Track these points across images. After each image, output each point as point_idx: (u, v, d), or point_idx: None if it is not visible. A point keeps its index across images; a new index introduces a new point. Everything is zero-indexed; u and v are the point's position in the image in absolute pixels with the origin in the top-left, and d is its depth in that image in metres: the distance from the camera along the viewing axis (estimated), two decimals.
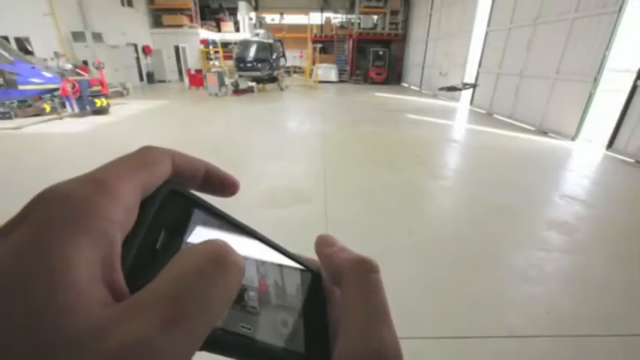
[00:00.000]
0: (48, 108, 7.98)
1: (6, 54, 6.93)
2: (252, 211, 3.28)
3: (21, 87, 6.96)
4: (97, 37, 13.68)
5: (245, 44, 13.34)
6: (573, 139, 6.86)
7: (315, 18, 23.65)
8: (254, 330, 0.17)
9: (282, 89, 15.01)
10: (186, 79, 15.61)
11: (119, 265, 0.13)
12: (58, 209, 0.12)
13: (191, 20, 19.14)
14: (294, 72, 25.53)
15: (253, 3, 23.56)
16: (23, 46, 10.34)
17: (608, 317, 2.05)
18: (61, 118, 7.75)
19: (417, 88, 17.87)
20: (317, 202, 3.54)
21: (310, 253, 0.22)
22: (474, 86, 11.74)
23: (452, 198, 3.96)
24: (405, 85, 20.46)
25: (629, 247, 2.87)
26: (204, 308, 0.12)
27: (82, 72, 10.16)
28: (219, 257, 0.13)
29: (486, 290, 2.29)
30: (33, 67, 7.28)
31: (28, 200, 0.12)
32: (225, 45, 17.75)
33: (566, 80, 7.15)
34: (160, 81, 18.30)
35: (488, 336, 1.90)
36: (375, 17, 20.82)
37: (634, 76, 5.64)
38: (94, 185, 0.13)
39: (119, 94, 11.84)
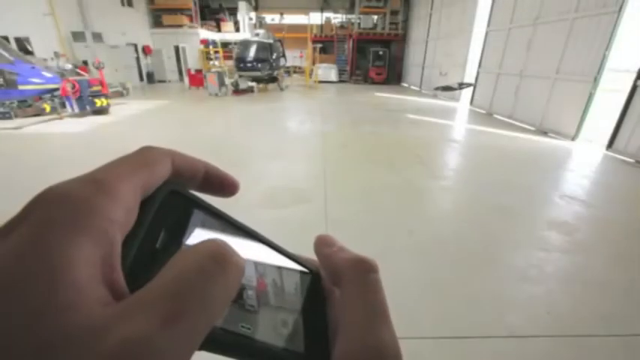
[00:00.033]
0: (48, 108, 7.98)
1: (6, 54, 6.93)
2: (252, 211, 3.29)
3: (21, 87, 6.97)
4: (97, 37, 13.68)
5: (245, 44, 13.34)
6: (573, 139, 6.86)
7: (315, 18, 23.65)
8: (254, 330, 0.17)
9: (282, 89, 15.01)
10: (186, 79, 15.61)
11: (119, 264, 0.13)
12: (58, 209, 0.12)
13: (191, 20, 19.14)
14: (294, 72, 25.53)
15: (253, 3, 23.56)
16: (23, 46, 10.34)
17: (608, 317, 2.05)
18: (61, 118, 7.75)
19: (417, 88, 17.88)
20: (317, 202, 3.54)
21: (310, 254, 0.23)
22: (469, 86, 11.78)
23: (452, 198, 3.97)
24: (405, 85, 20.47)
25: (629, 247, 2.87)
26: (204, 307, 0.12)
27: (82, 72, 10.16)
28: (219, 256, 0.13)
29: (486, 290, 2.29)
30: (33, 67, 7.28)
31: (28, 200, 0.12)
32: (225, 45, 17.75)
33: (566, 80, 7.15)
34: (160, 81, 18.31)
35: (488, 336, 1.90)
36: (375, 17, 20.82)
37: (634, 76, 5.65)
38: (94, 185, 0.13)
39: (119, 94, 11.84)
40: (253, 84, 13.82)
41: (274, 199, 3.62)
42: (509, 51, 9.39)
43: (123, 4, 16.10)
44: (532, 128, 8.06)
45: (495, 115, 9.83)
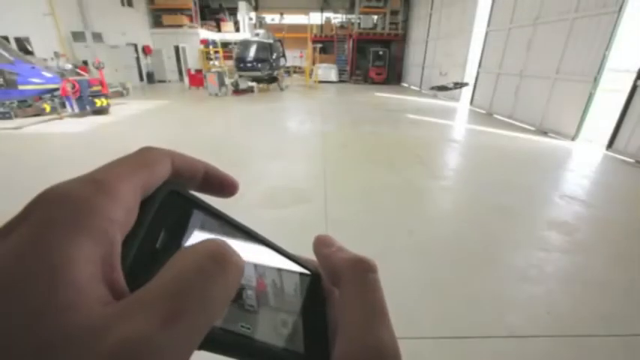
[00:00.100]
0: (48, 108, 7.98)
1: (6, 54, 6.93)
2: (252, 211, 3.29)
3: (21, 87, 6.97)
4: (97, 37, 13.68)
5: (245, 44, 13.35)
6: (573, 139, 6.86)
7: (315, 18, 23.65)
8: (253, 330, 0.17)
9: (282, 89, 15.01)
10: (186, 79, 15.61)
11: (119, 264, 0.13)
12: (58, 209, 0.12)
13: (191, 20, 19.14)
14: (294, 72, 25.53)
15: (253, 3, 23.56)
16: (23, 46, 10.35)
17: (608, 317, 2.05)
18: (61, 118, 7.76)
19: (417, 88, 17.87)
20: (317, 202, 3.54)
21: (310, 254, 0.23)
22: (464, 85, 11.81)
23: (452, 198, 3.97)
24: (405, 85, 20.46)
25: (629, 247, 2.87)
26: (204, 306, 0.12)
27: (82, 72, 10.16)
28: (218, 256, 0.13)
29: (486, 290, 2.29)
30: (33, 67, 7.28)
31: (29, 200, 0.12)
32: (225, 45, 17.76)
33: (566, 80, 7.15)
34: (160, 81, 18.31)
35: (488, 336, 1.90)
36: (375, 17, 20.82)
37: (634, 76, 5.65)
38: (94, 185, 0.13)
39: (119, 94, 11.84)
40: (253, 84, 13.82)
41: (274, 199, 3.62)
42: (509, 51, 9.39)
43: (123, 4, 16.10)
44: (532, 128, 8.06)
45: (495, 115, 9.83)
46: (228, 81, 13.28)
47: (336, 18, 23.20)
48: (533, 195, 3.94)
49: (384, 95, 14.55)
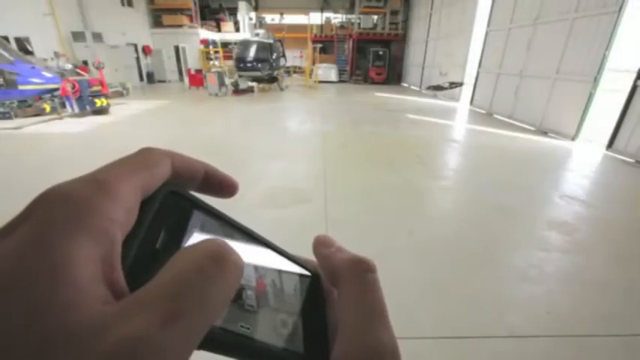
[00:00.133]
0: (48, 108, 7.98)
1: (6, 54, 6.93)
2: (252, 211, 3.29)
3: (21, 87, 6.97)
4: (97, 37, 13.68)
5: (245, 44, 13.35)
6: (573, 139, 6.86)
7: (315, 18, 23.65)
8: (253, 330, 0.17)
9: (282, 89, 15.01)
10: (186, 79, 15.61)
11: (119, 263, 0.13)
12: (59, 209, 0.12)
13: (191, 20, 19.14)
14: (294, 72, 25.53)
15: (253, 3, 23.57)
16: (23, 46, 10.35)
17: (608, 317, 2.05)
18: (61, 118, 7.76)
19: (417, 88, 17.87)
20: (317, 202, 3.54)
21: (310, 254, 0.23)
22: (459, 85, 11.84)
23: (452, 198, 3.97)
24: (405, 85, 20.47)
25: (629, 247, 2.87)
26: (204, 306, 0.12)
27: (82, 72, 10.16)
28: (218, 256, 0.13)
29: (486, 290, 2.29)
30: (33, 67, 7.29)
31: (29, 200, 0.12)
32: (225, 45, 17.76)
33: (566, 80, 7.15)
34: (160, 81, 18.31)
35: (488, 336, 1.90)
36: (375, 17, 20.82)
37: (634, 76, 5.64)
38: (94, 185, 0.13)
39: (119, 94, 11.84)
40: (253, 84, 13.83)
41: (274, 199, 3.62)
42: (509, 51, 9.39)
43: (123, 4, 16.10)
44: (532, 128, 8.06)
45: (495, 115, 9.84)
46: (228, 81, 13.28)
47: (336, 18, 23.20)
48: (533, 195, 3.94)
49: (384, 95, 14.55)
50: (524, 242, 2.91)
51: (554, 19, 7.51)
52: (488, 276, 2.45)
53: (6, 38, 9.36)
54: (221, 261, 0.13)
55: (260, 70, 13.05)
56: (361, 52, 20.85)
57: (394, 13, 20.28)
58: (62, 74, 8.58)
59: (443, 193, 4.05)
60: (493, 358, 1.78)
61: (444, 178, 4.55)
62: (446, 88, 12.25)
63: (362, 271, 0.19)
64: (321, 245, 0.21)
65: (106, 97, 8.52)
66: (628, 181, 4.66)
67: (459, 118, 9.81)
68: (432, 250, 2.74)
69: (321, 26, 22.54)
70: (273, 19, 25.24)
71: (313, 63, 18.77)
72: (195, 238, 0.16)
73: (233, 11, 21.75)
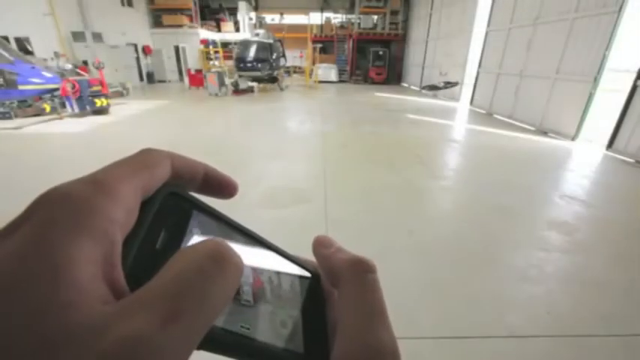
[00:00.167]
0: (48, 108, 7.98)
1: (6, 54, 6.93)
2: (252, 211, 3.29)
3: (21, 87, 6.97)
4: (97, 37, 13.68)
5: (245, 44, 13.35)
6: (573, 139, 6.86)
7: (315, 18, 23.65)
8: (253, 330, 0.17)
9: (282, 89, 15.01)
10: (186, 79, 15.61)
11: (119, 263, 0.13)
12: (60, 209, 0.12)
13: (191, 20, 19.14)
14: (294, 72, 25.53)
15: (253, 3, 23.57)
16: (23, 46, 10.35)
17: (608, 317, 2.05)
18: (61, 118, 7.76)
19: (417, 88, 17.85)
20: (317, 202, 3.54)
21: (310, 254, 0.23)
22: (454, 85, 11.91)
23: (452, 198, 3.97)
24: (405, 85, 20.46)
25: (629, 247, 2.87)
26: (203, 306, 0.12)
27: (82, 72, 10.16)
28: (218, 256, 0.13)
29: (486, 290, 2.29)
30: (33, 67, 7.29)
31: (29, 200, 0.13)
32: (225, 45, 17.76)
33: (566, 80, 7.15)
34: (160, 81, 18.31)
35: (488, 336, 1.90)
36: (375, 17, 20.81)
37: (634, 76, 5.64)
38: (95, 186, 0.13)
39: (119, 94, 11.84)
40: (253, 84, 13.83)
41: (274, 199, 3.62)
42: (509, 51, 9.39)
43: (123, 4, 16.10)
44: (532, 128, 8.06)
45: (495, 115, 9.84)
46: (228, 81, 13.28)
47: (336, 18, 23.20)
48: (533, 195, 3.94)
49: (384, 95, 14.55)
50: (524, 242, 2.91)
51: (554, 19, 7.51)
52: (488, 276, 2.45)
53: (6, 38, 9.36)
54: (221, 261, 0.13)
55: (260, 70, 13.05)
56: (361, 52, 20.85)
57: (394, 13, 20.28)
58: (62, 74, 8.58)
59: (443, 193, 4.05)
60: (493, 358, 1.78)
61: (444, 178, 4.55)
62: (441, 88, 12.31)
63: (362, 271, 0.19)
64: (321, 246, 0.21)
65: (106, 97, 8.52)
66: (628, 181, 4.66)
67: (458, 118, 9.81)
68: (432, 250, 2.74)
69: (321, 26, 22.53)
70: (273, 19, 25.24)
71: (313, 63, 18.77)
72: (195, 238, 0.16)
73: (233, 11, 21.75)
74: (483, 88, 10.82)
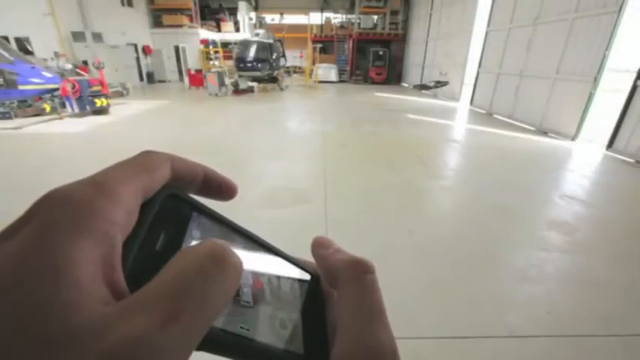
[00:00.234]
0: (48, 108, 7.98)
1: (6, 54, 6.93)
2: (252, 211, 3.29)
3: (21, 87, 6.97)
4: (97, 37, 13.68)
5: (245, 44, 13.35)
6: (573, 139, 6.86)
7: (315, 18, 23.65)
8: (253, 331, 0.17)
9: (282, 89, 15.01)
10: (186, 79, 15.62)
11: (120, 264, 0.13)
12: (61, 211, 0.12)
13: (191, 20, 19.14)
14: (294, 72, 25.53)
15: (253, 3, 23.57)
16: (23, 46, 10.35)
17: (608, 317, 2.05)
18: (61, 118, 7.76)
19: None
20: (317, 202, 3.54)
21: (310, 255, 0.23)
22: (444, 84, 12.06)
23: (452, 198, 3.97)
24: (405, 85, 20.45)
25: (629, 247, 2.87)
26: (203, 306, 0.12)
27: (82, 72, 10.16)
28: (217, 256, 0.13)
29: (486, 290, 2.29)
30: (33, 67, 7.29)
31: (30, 201, 0.13)
32: (225, 45, 17.76)
33: (566, 80, 7.15)
34: (160, 81, 18.31)
35: (488, 336, 1.90)
36: (375, 17, 20.81)
37: (634, 76, 5.64)
38: (95, 188, 0.13)
39: (119, 94, 11.84)
40: (253, 84, 13.83)
41: (274, 199, 3.62)
42: (509, 51, 9.39)
43: (123, 4, 16.10)
44: (532, 128, 8.06)
45: (495, 115, 9.83)
46: (228, 81, 13.29)
47: (336, 18, 23.20)
48: (533, 195, 3.94)
49: (384, 95, 14.55)
50: (524, 242, 2.91)
51: (554, 19, 7.51)
52: (488, 276, 2.45)
53: (6, 38, 9.36)
54: (221, 261, 0.13)
55: (260, 70, 13.05)
56: (361, 52, 20.85)
57: (394, 13, 20.28)
58: (62, 74, 8.58)
59: (443, 193, 4.05)
60: (493, 358, 1.78)
61: (444, 178, 4.55)
62: (432, 87, 12.37)
63: (360, 272, 0.19)
64: (320, 246, 0.21)
65: (106, 97, 8.52)
66: (628, 181, 4.66)
67: (458, 118, 9.81)
68: (432, 250, 2.74)
69: (321, 26, 22.53)
70: (273, 19, 25.24)
71: (313, 63, 18.77)
72: (195, 240, 0.17)
73: (233, 11, 21.75)
74: (483, 88, 10.82)
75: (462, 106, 11.87)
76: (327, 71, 19.88)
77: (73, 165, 4.56)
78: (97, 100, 8.13)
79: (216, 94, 12.65)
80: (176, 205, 0.17)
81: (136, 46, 16.64)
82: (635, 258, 2.71)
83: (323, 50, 21.74)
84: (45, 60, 10.24)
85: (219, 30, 21.59)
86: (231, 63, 14.17)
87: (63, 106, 8.06)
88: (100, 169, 0.15)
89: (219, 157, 5.01)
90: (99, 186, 0.14)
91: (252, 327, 0.17)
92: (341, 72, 20.97)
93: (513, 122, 8.81)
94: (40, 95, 7.77)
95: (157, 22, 18.74)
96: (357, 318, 0.17)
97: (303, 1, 24.14)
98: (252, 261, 0.19)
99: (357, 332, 0.17)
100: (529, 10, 8.40)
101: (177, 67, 18.86)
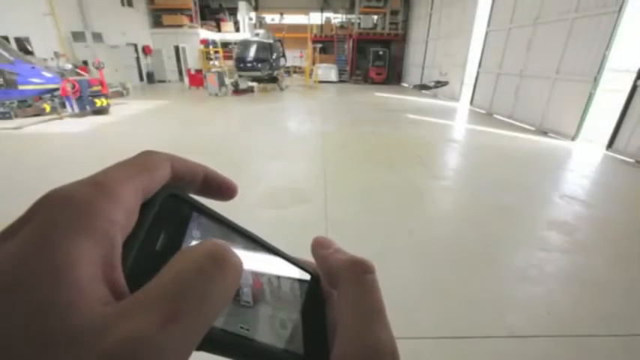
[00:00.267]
0: (48, 108, 7.98)
1: (6, 54, 6.93)
2: (252, 211, 3.29)
3: (21, 87, 6.97)
4: (97, 37, 13.68)
5: (245, 44, 13.35)
6: (573, 139, 6.86)
7: (315, 18, 23.65)
8: (253, 331, 0.17)
9: (282, 89, 15.01)
10: (186, 79, 15.61)
11: (120, 264, 0.13)
12: (61, 211, 0.12)
13: (191, 20, 19.14)
14: (294, 72, 25.53)
15: (253, 3, 23.56)
16: (23, 46, 10.35)
17: (608, 317, 2.05)
18: (61, 118, 7.76)
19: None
20: (317, 202, 3.54)
21: (310, 255, 0.23)
22: (444, 84, 12.08)
23: (452, 198, 3.97)
24: (405, 85, 20.45)
25: (629, 247, 2.87)
26: (203, 306, 0.12)
27: (82, 72, 10.16)
28: (217, 256, 0.13)
29: (486, 290, 2.29)
30: (33, 67, 7.29)
31: (30, 201, 0.13)
32: (225, 45, 17.75)
33: (566, 80, 7.15)
34: (160, 81, 18.31)
35: (488, 336, 1.90)
36: (375, 17, 20.81)
37: (634, 76, 5.64)
38: (95, 188, 0.13)
39: (119, 94, 11.84)
40: (253, 84, 13.83)
41: (274, 199, 3.62)
42: (509, 51, 9.39)
43: (123, 4, 16.10)
44: (532, 128, 8.06)
45: (495, 115, 9.83)
46: (228, 81, 13.28)
47: (336, 18, 23.19)
48: (533, 195, 3.94)
49: (384, 95, 14.55)
50: (524, 242, 2.91)
51: (554, 19, 7.51)
52: (488, 276, 2.45)
53: (6, 38, 9.36)
54: (221, 261, 0.13)
55: (260, 70, 13.05)
56: (361, 52, 20.84)
57: (394, 13, 20.27)
58: (62, 74, 8.58)
59: (443, 193, 4.05)
60: (493, 358, 1.78)
61: (444, 178, 4.55)
62: (432, 87, 12.39)
63: (360, 272, 0.19)
64: (320, 246, 0.21)
65: (106, 97, 8.52)
66: (628, 181, 4.66)
67: (458, 118, 9.81)
68: (432, 250, 2.74)
69: (321, 26, 22.53)
70: (273, 19, 25.24)
71: (313, 63, 18.77)
72: (195, 240, 0.17)
73: (233, 11, 21.75)
74: (483, 88, 10.82)
75: (462, 106, 11.87)
76: (327, 71, 19.88)
77: (73, 165, 4.56)
78: (97, 100, 8.13)
79: (216, 94, 12.65)
80: (176, 205, 0.17)
81: (135, 46, 16.63)
82: (635, 258, 2.71)
83: (323, 50, 21.74)
84: (45, 60, 10.23)
85: (219, 30, 21.58)
86: (231, 63, 14.17)
87: (63, 106, 8.06)
88: (100, 169, 0.15)
89: (219, 157, 5.01)
90: (99, 186, 0.14)
91: (252, 327, 0.17)
92: (341, 72, 20.97)
93: (513, 122, 8.81)
94: (40, 95, 7.77)
95: (157, 22, 18.74)
96: (357, 318, 0.17)
97: (303, 1, 24.14)
98: (252, 261, 0.19)
99: (357, 332, 0.17)
100: (529, 10, 8.40)
101: (177, 67, 18.86)
